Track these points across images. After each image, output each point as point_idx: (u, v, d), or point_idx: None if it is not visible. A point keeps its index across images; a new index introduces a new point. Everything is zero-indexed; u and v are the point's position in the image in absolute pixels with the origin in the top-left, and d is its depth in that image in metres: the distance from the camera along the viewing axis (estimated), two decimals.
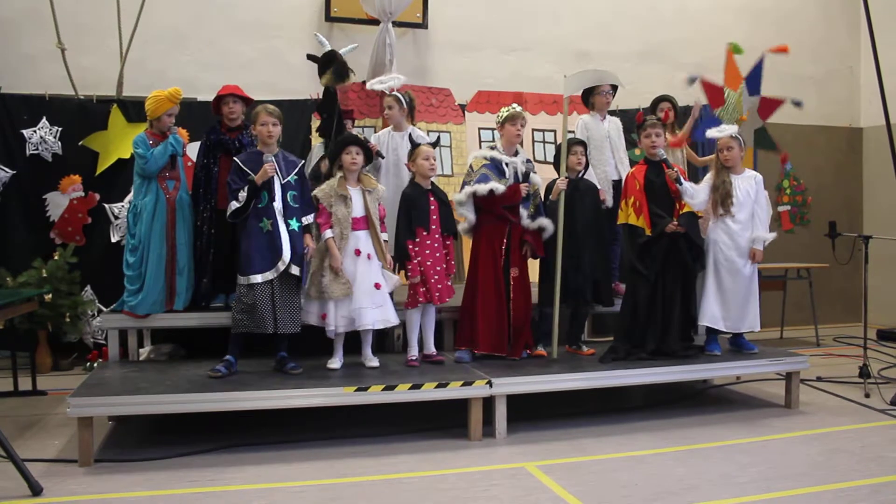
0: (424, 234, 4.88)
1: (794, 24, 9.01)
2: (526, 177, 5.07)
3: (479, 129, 7.48)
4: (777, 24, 8.80)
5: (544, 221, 5.07)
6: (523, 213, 5.02)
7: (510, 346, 5.06)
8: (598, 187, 5.49)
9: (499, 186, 4.92)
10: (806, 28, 9.13)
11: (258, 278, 4.56)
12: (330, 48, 5.57)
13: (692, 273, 5.24)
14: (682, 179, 5.19)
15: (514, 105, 5.17)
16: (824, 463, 4.14)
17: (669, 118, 6.32)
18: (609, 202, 5.62)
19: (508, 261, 5.01)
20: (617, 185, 5.69)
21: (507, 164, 5.03)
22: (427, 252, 4.88)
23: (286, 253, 4.60)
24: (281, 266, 4.58)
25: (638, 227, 5.09)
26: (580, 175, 5.33)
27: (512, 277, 5.02)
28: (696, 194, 5.23)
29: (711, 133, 5.40)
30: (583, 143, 5.40)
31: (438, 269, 4.89)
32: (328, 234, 4.70)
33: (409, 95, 5.65)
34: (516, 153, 5.12)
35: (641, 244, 5.09)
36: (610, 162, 5.77)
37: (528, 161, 5.20)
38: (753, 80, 5.74)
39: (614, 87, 5.84)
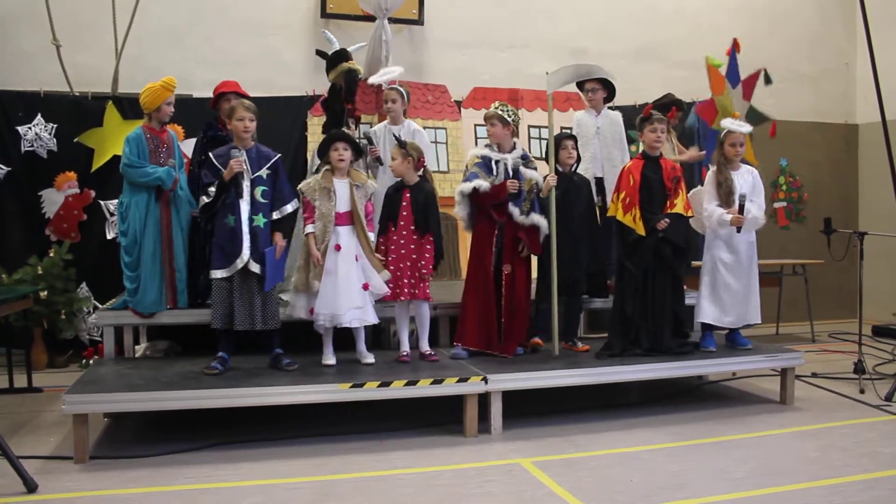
0: (393, 228, 4.90)
1: (791, 21, 9.03)
2: (516, 173, 5.03)
3: (475, 125, 7.48)
4: (773, 22, 8.82)
5: (536, 218, 5.01)
6: (514, 210, 4.97)
7: (501, 342, 5.05)
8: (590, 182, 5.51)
9: (483, 184, 4.91)
10: (802, 25, 9.14)
11: (218, 274, 4.57)
12: (339, 46, 5.55)
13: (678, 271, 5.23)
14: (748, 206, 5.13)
15: (494, 103, 5.15)
16: (819, 459, 4.15)
17: (675, 118, 6.34)
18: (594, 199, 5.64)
19: (501, 258, 5.01)
20: (600, 182, 5.73)
21: (496, 162, 5.02)
22: (392, 247, 4.89)
23: (245, 250, 4.55)
24: (239, 263, 4.55)
25: (625, 225, 5.05)
26: (573, 169, 5.33)
27: (504, 274, 5.01)
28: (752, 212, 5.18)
29: (729, 125, 5.27)
30: (573, 138, 5.41)
31: (402, 265, 4.86)
32: (309, 228, 4.69)
33: (405, 89, 5.67)
34: (514, 149, 5.10)
35: (631, 241, 5.08)
36: (595, 158, 5.76)
37: (524, 157, 5.13)
38: (732, 73, 5.78)
39: (606, 83, 5.83)
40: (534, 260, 5.26)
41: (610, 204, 5.28)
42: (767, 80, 5.76)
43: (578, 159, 5.42)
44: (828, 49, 9.32)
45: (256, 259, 4.58)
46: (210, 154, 4.68)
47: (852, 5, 8.85)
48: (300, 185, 4.84)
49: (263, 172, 4.67)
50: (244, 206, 4.59)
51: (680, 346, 5.19)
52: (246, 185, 4.62)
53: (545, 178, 5.14)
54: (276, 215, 4.72)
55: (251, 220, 4.60)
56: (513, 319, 5.03)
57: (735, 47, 5.87)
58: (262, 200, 4.65)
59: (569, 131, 5.69)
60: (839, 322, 8.69)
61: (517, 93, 7.62)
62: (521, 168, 5.04)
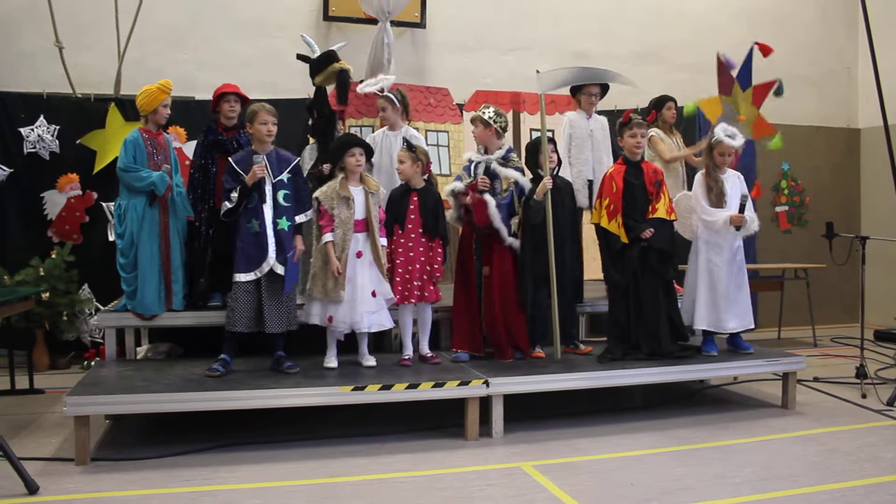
0: (400, 231, 4.91)
1: (792, 25, 9.03)
2: (493, 173, 4.99)
3: None
4: (775, 26, 8.80)
5: (487, 197, 4.89)
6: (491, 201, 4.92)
7: (495, 346, 5.05)
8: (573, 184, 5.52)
9: (458, 185, 4.99)
10: (804, 29, 9.14)
11: (241, 277, 4.57)
12: (319, 50, 5.54)
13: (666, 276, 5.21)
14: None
15: (481, 106, 5.16)
16: (820, 463, 4.14)
17: (672, 117, 6.34)
18: (583, 202, 5.66)
19: (481, 260, 5.02)
20: (590, 185, 5.72)
21: (475, 164, 5.05)
22: (400, 250, 4.90)
23: (272, 253, 4.58)
24: (265, 266, 4.57)
25: (611, 232, 5.05)
26: (555, 172, 5.31)
27: (483, 276, 5.01)
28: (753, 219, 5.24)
29: (721, 135, 5.21)
30: (551, 141, 5.35)
31: (411, 268, 4.87)
32: (328, 237, 4.68)
33: (400, 93, 5.64)
34: (500, 150, 5.07)
35: (616, 250, 5.07)
36: (588, 161, 5.76)
37: (505, 157, 5.05)
38: (744, 73, 5.75)
39: (604, 88, 5.83)
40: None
41: (593, 211, 5.27)
42: (778, 92, 5.71)
43: (559, 162, 5.39)
44: (830, 53, 9.33)
45: (282, 262, 4.62)
46: (230, 159, 4.70)
47: (854, 9, 8.85)
48: (316, 193, 4.83)
49: (284, 176, 4.71)
50: (268, 211, 4.63)
51: (681, 350, 5.18)
52: (268, 189, 4.64)
53: (529, 177, 5.11)
54: (300, 219, 4.76)
55: (275, 224, 4.63)
56: (502, 322, 5.00)
57: (763, 51, 5.75)
58: (285, 204, 4.69)
59: (550, 134, 5.62)
60: (841, 326, 8.69)
61: (519, 96, 7.62)
62: (498, 168, 5.01)
